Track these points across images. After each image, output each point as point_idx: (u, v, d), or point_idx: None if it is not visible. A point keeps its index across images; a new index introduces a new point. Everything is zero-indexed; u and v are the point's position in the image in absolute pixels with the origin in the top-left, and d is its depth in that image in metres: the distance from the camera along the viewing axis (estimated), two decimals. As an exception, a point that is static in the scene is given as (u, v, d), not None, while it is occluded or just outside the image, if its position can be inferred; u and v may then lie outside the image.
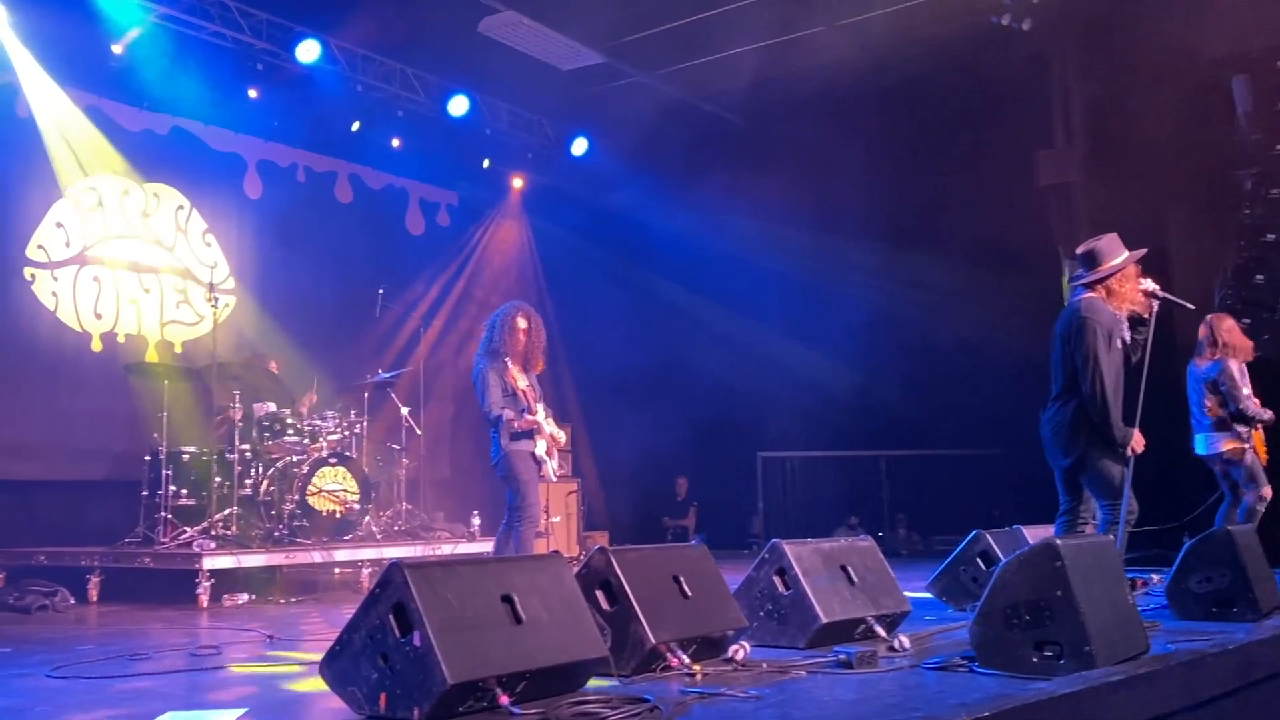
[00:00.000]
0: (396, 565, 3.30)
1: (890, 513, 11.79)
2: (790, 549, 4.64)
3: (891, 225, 11.01)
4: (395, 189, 11.79)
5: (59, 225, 9.17)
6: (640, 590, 3.99)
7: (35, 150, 8.95)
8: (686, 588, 4.19)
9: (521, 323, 6.31)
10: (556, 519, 10.23)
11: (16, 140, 8.81)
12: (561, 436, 6.51)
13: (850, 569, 4.79)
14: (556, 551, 4.46)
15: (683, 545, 4.75)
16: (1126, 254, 5.15)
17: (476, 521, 9.03)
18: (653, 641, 3.89)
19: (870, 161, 10.86)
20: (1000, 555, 5.68)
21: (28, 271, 8.95)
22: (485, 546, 8.47)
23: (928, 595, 6.05)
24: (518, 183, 12.53)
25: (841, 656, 4.06)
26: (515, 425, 6.13)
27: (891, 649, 4.37)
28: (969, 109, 10.55)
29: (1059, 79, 10.49)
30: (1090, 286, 5.14)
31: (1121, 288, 5.09)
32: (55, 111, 9.08)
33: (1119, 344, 5.06)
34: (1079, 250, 5.22)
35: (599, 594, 4.01)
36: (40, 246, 9.04)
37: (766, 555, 4.70)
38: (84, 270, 9.30)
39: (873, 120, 10.82)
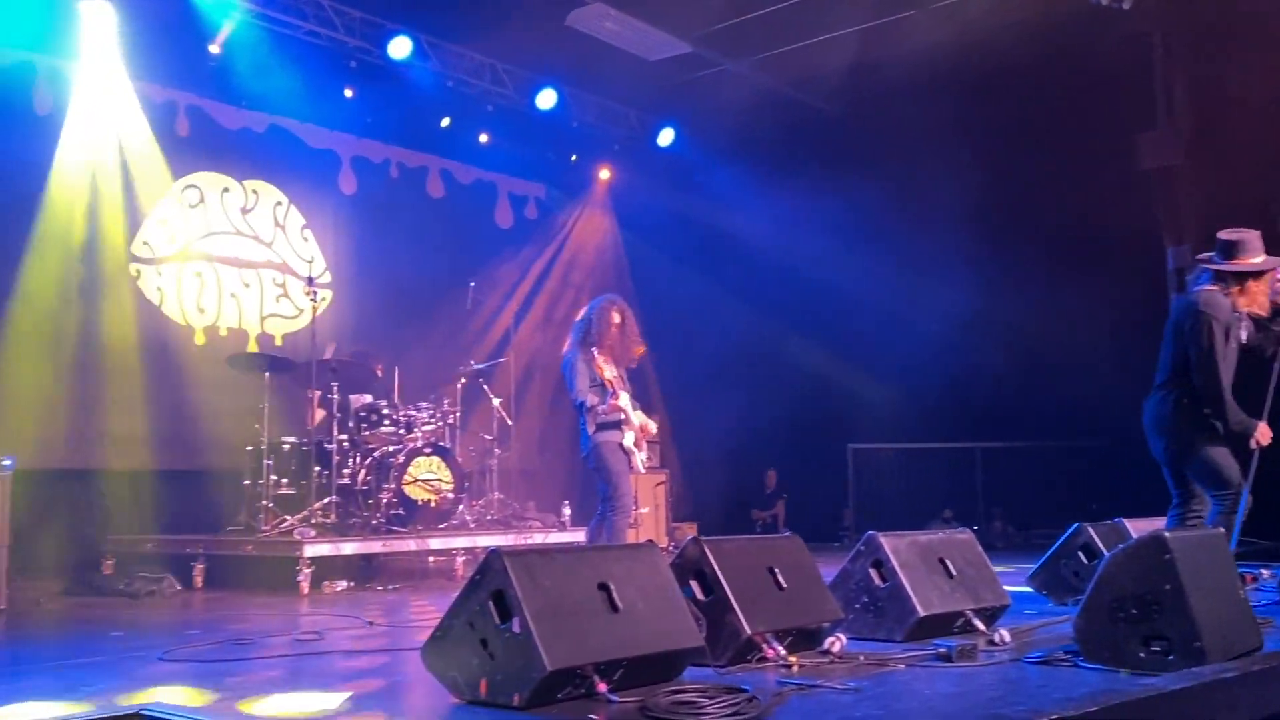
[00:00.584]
0: (496, 553, 3.35)
1: (985, 506, 11.60)
2: (887, 541, 4.60)
3: (987, 212, 10.80)
4: (484, 183, 11.93)
5: (163, 222, 9.48)
6: (735, 581, 3.99)
7: (139, 150, 9.25)
8: (781, 579, 4.18)
9: (616, 317, 6.37)
10: (645, 510, 10.26)
11: (121, 140, 9.10)
12: (651, 427, 6.54)
13: (948, 562, 4.73)
14: (651, 541, 4.48)
15: (777, 536, 4.74)
16: (1265, 257, 5.08)
17: (567, 511, 9.12)
18: (748, 632, 3.89)
19: (965, 147, 10.66)
20: (1103, 549, 5.56)
21: (133, 268, 9.27)
22: (576, 536, 8.55)
23: (1026, 589, 5.95)
24: (605, 174, 12.58)
25: (940, 650, 4.01)
26: (600, 412, 6.19)
27: (991, 643, 4.31)
28: (1066, 91, 10.30)
29: (1161, 57, 10.18)
30: (1219, 276, 5.05)
31: (1256, 288, 5.07)
32: (158, 111, 9.38)
33: (1235, 340, 5.00)
34: (1220, 235, 5.12)
35: (693, 584, 4.02)
36: (145, 243, 9.36)
37: (862, 548, 4.66)
38: (187, 266, 9.61)
39: (967, 105, 10.62)
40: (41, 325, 8.45)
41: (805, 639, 4.13)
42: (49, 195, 8.61)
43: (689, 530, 10.99)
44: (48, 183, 8.62)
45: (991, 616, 4.74)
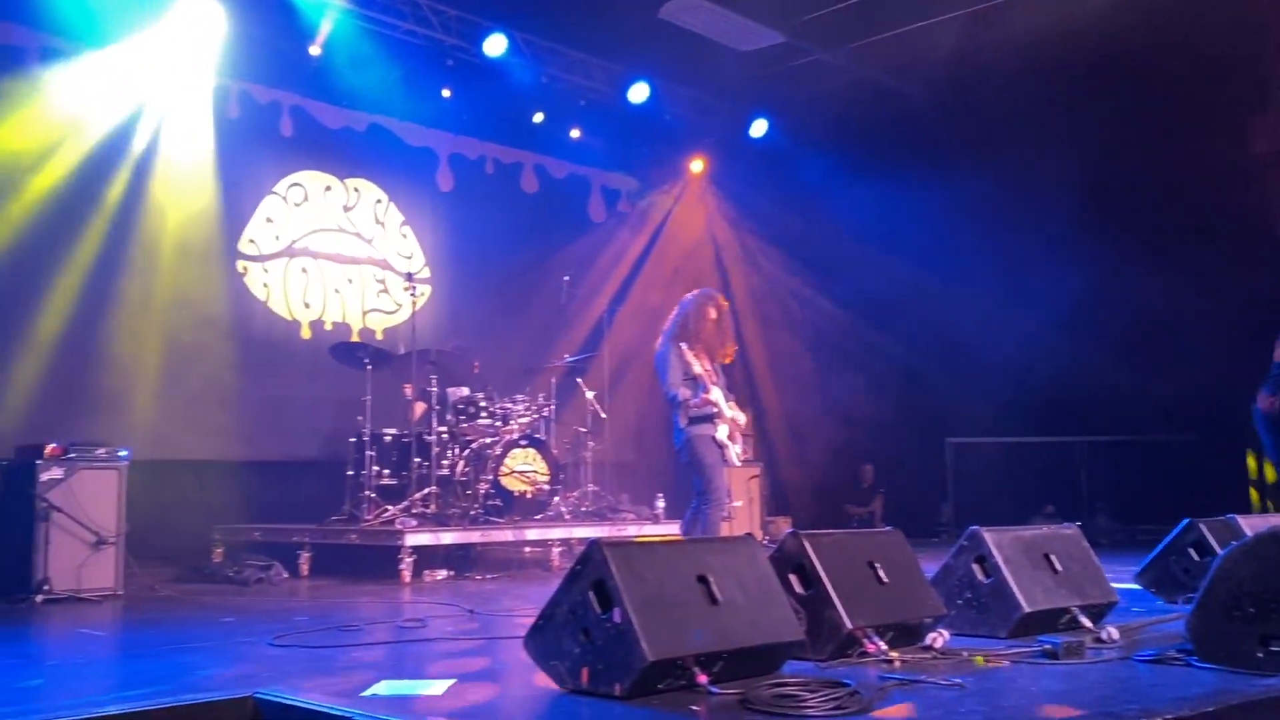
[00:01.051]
0: (596, 544, 3.38)
1: (1089, 501, 11.32)
2: (990, 536, 4.53)
3: (1091, 200, 10.51)
4: (578, 177, 12.02)
5: (268, 220, 9.74)
6: (835, 574, 3.97)
7: (246, 149, 9.52)
8: (882, 574, 4.14)
9: (712, 312, 6.39)
10: (739, 504, 10.23)
11: (229, 140, 9.37)
12: (742, 419, 6.54)
13: (1053, 557, 4.64)
14: (749, 534, 4.47)
15: (877, 530, 4.70)
16: None
17: (660, 504, 9.16)
18: (849, 626, 3.86)
19: (1068, 135, 10.40)
20: (1216, 545, 5.39)
21: (240, 265, 9.55)
22: (670, 529, 8.59)
23: (1134, 586, 5.80)
24: (697, 166, 12.56)
25: (1046, 646, 3.94)
26: (693, 406, 6.20)
27: (1099, 640, 4.21)
28: (1174, 75, 9.96)
29: (1273, 39, 9.81)
30: None
31: None
32: (263, 111, 9.64)
33: None
34: None
35: (792, 578, 4.00)
36: (251, 240, 9.62)
37: (965, 542, 4.60)
38: (292, 262, 9.86)
39: (1070, 92, 10.36)
40: (153, 323, 8.71)
41: (907, 634, 4.08)
42: (152, 195, 8.85)
43: (783, 524, 10.94)
44: (150, 181, 8.86)
45: (1098, 614, 4.63)
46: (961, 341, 11.21)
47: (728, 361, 6.57)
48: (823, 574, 3.95)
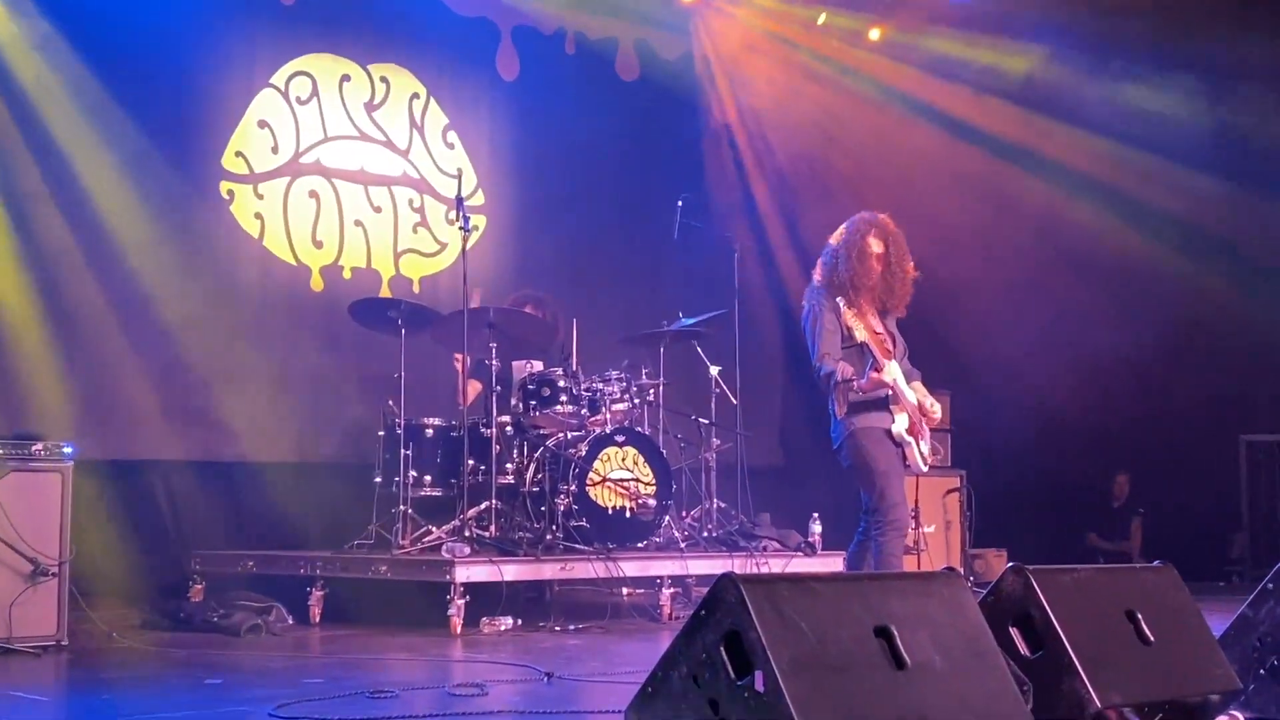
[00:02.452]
0: (730, 579, 3.37)
1: None
2: (1309, 576, 4.41)
3: None
4: (687, 58, 11.96)
5: (262, 125, 9.89)
6: (1077, 629, 3.90)
7: (231, 22, 9.65)
8: (1146, 629, 4.07)
9: (875, 244, 6.27)
10: (930, 528, 10.17)
11: (206, 8, 9.48)
12: (935, 410, 6.44)
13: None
14: (951, 568, 4.43)
15: (1139, 567, 4.61)
16: None
17: (817, 529, 9.10)
18: (1098, 705, 3.80)
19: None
20: None
21: (224, 187, 9.71)
22: (831, 564, 8.55)
23: None
24: (874, 34, 12.27)
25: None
26: (856, 388, 6.11)
27: None
28: None
29: None
30: None
31: None
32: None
33: None
34: None
35: (1014, 632, 3.95)
36: (239, 154, 9.78)
37: (1270, 586, 4.49)
38: (297, 184, 10.01)
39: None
40: (101, 273, 8.88)
41: (1184, 717, 4.00)
42: (87, 87, 8.90)
43: (996, 559, 10.80)
44: (77, 65, 8.83)
45: None
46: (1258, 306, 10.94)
47: (901, 313, 6.47)
48: (1059, 628, 3.88)
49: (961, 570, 10.01)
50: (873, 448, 6.21)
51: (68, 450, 6.98)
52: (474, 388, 8.94)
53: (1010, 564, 4.14)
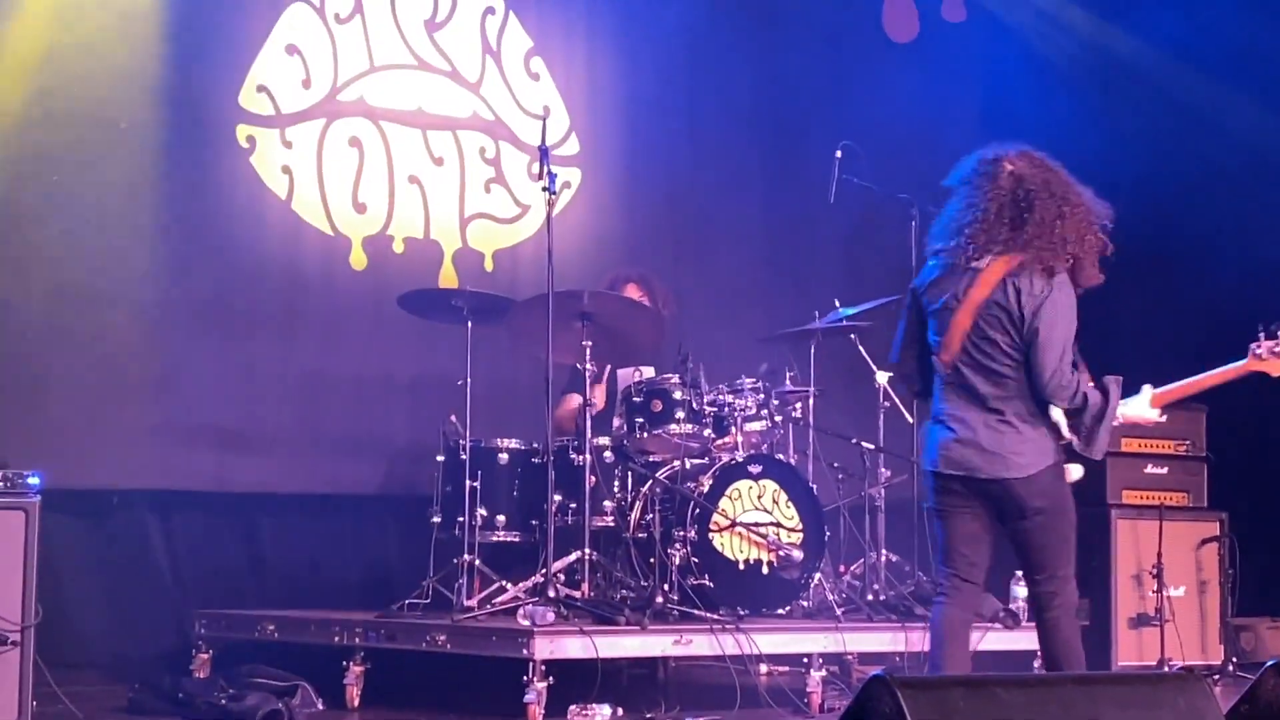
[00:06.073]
0: (884, 684, 3.36)
1: None
2: None
3: None
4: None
5: (291, 51, 9.99)
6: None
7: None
8: None
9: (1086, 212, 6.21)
10: (1178, 591, 10.00)
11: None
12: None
13: None
14: (1189, 669, 4.38)
15: None
16: None
17: (1021, 592, 8.99)
18: None
19: None
20: None
21: (242, 133, 9.82)
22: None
23: None
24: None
25: None
26: (1114, 416, 6.10)
27: None
28: None
29: None
30: None
31: None
32: None
33: None
34: None
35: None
36: (262, 89, 9.88)
37: None
38: (335, 127, 10.09)
39: None
40: (74, 244, 9.03)
41: None
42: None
43: (1270, 632, 10.59)
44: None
45: None
46: None
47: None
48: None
49: (1220, 650, 9.92)
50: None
51: (34, 480, 7.04)
52: (571, 403, 8.96)
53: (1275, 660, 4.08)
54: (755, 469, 8.56)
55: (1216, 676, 9.76)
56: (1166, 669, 9.54)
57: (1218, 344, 11.15)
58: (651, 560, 8.40)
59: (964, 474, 6.14)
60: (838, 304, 9.48)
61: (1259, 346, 6.51)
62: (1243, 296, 11.21)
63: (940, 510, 6.29)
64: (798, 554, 8.57)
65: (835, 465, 9.52)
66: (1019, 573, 9.05)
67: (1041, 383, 6.05)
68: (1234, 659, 9.90)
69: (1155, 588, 9.72)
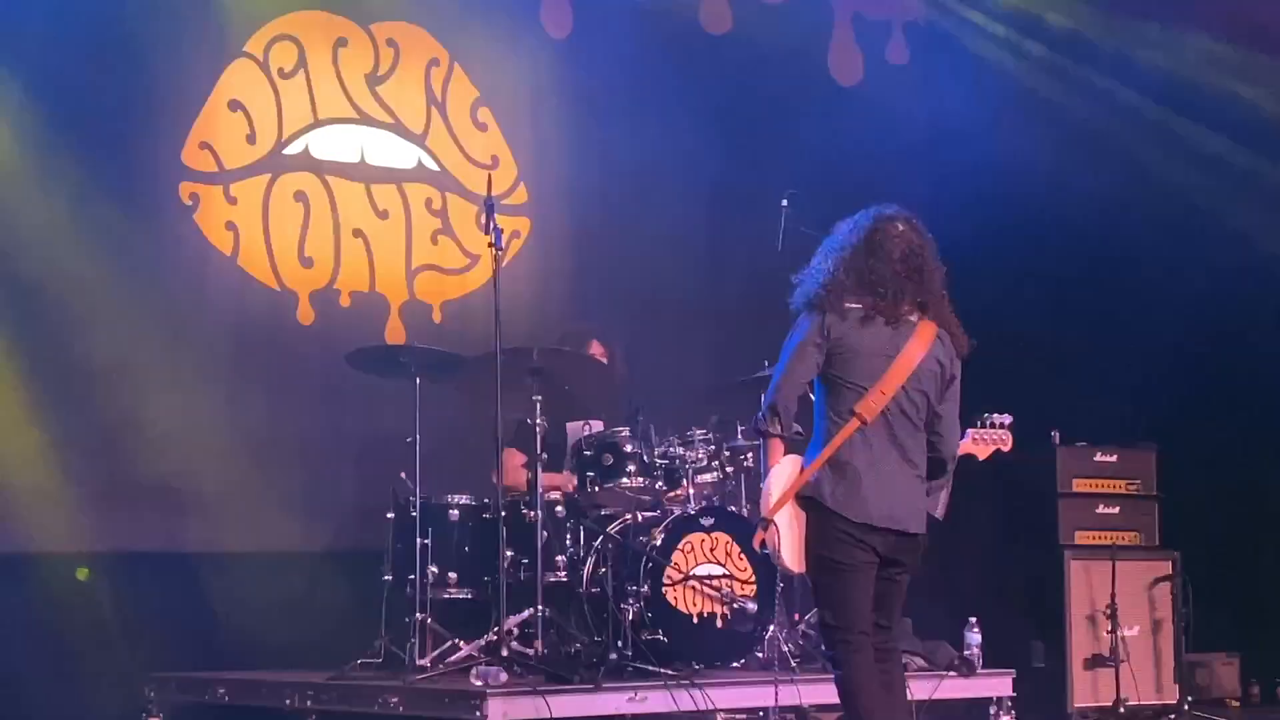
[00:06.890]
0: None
1: None
2: None
3: None
4: (810, 1, 11.94)
5: (234, 107, 9.96)
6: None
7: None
8: None
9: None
10: (1132, 630, 10.01)
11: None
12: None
13: None
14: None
15: None
16: None
17: (975, 638, 8.99)
18: None
19: None
20: None
21: (185, 190, 9.77)
22: (995, 687, 8.60)
23: None
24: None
25: None
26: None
27: None
28: None
29: None
30: None
31: None
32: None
33: None
34: None
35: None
36: (205, 145, 9.84)
37: None
38: (280, 183, 10.06)
39: None
40: (16, 301, 9.00)
41: None
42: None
43: (1225, 667, 10.59)
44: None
45: None
46: None
47: None
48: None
49: (1176, 685, 9.93)
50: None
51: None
52: (514, 459, 8.92)
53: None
54: (707, 521, 8.52)
55: (1173, 716, 9.80)
56: (1123, 710, 9.62)
57: (1159, 380, 11.35)
58: (605, 616, 8.35)
59: (896, 529, 6.16)
60: (788, 355, 9.47)
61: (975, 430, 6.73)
62: (1184, 329, 11.35)
63: (853, 566, 6.12)
64: (751, 606, 8.51)
65: (787, 515, 9.50)
66: (973, 619, 9.08)
67: (955, 440, 6.32)
68: (1189, 697, 9.90)
69: (1110, 628, 9.74)
